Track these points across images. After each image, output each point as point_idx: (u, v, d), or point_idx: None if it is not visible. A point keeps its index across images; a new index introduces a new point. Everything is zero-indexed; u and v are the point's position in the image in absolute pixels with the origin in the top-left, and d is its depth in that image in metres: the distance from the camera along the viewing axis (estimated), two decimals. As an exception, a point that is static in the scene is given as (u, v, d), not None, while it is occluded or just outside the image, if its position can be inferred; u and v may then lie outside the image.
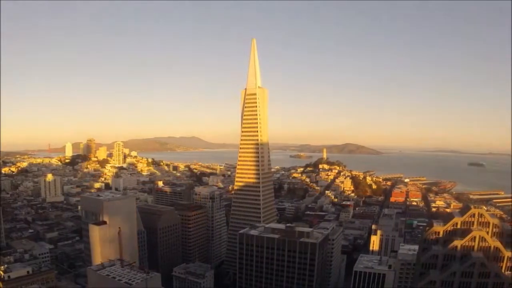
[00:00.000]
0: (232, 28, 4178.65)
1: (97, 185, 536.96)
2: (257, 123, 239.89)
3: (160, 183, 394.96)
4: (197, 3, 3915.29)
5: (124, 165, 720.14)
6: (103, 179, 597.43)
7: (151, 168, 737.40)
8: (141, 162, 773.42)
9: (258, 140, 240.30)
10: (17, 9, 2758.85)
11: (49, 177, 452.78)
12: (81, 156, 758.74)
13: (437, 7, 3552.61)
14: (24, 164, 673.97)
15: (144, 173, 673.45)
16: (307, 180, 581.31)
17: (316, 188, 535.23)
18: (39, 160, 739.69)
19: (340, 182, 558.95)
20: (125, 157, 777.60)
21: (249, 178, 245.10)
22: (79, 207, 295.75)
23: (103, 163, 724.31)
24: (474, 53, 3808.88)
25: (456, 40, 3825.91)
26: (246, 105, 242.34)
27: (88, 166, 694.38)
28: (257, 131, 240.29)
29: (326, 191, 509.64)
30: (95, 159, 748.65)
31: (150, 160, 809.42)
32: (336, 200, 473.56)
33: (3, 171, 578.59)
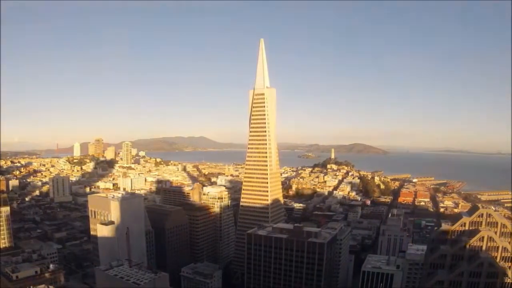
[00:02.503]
0: (241, 28, 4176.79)
1: (105, 185, 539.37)
2: (265, 123, 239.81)
3: (168, 183, 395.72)
4: (205, 3, 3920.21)
5: (132, 165, 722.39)
6: (111, 179, 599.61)
7: (159, 168, 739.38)
8: (149, 162, 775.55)
9: (266, 140, 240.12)
10: (25, 8, 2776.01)
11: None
12: (90, 156, 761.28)
13: (445, 6, 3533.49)
14: (32, 165, 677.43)
15: (152, 173, 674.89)
16: (315, 180, 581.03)
17: (324, 188, 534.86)
18: (47, 160, 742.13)
19: (348, 182, 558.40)
20: (134, 157, 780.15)
21: (257, 178, 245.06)
22: (87, 207, 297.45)
23: (111, 163, 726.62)
24: (483, 52, 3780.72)
25: (466, 38, 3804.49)
26: (254, 105, 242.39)
27: (97, 166, 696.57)
28: (265, 131, 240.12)
29: (334, 191, 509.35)
30: (104, 159, 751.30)
31: (158, 160, 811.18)
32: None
33: (12, 172, 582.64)
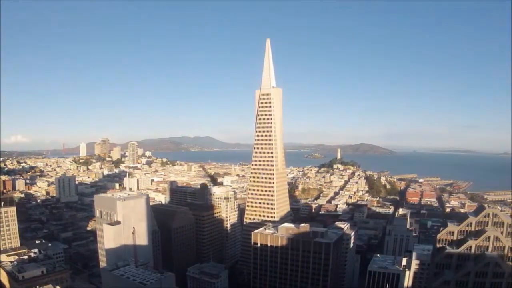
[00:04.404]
0: (247, 28, 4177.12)
1: (111, 185, 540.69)
2: (271, 123, 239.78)
3: (175, 183, 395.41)
4: (212, 3, 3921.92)
5: (139, 165, 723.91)
6: (117, 179, 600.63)
7: (166, 168, 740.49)
8: (155, 162, 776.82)
9: (272, 140, 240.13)
10: (28, 8, 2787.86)
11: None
12: (96, 156, 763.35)
13: (447, 6, 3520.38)
14: (38, 165, 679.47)
15: (159, 173, 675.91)
16: (322, 180, 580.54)
17: (331, 188, 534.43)
18: (53, 160, 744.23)
19: (354, 182, 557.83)
20: (140, 157, 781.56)
21: (263, 178, 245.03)
22: (93, 207, 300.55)
23: (117, 163, 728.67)
24: (488, 51, 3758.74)
25: (472, 39, 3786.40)
26: (260, 105, 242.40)
27: (103, 166, 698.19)
28: (272, 131, 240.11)
29: (341, 191, 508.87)
30: (110, 159, 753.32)
31: (164, 160, 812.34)
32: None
33: (18, 172, 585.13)
